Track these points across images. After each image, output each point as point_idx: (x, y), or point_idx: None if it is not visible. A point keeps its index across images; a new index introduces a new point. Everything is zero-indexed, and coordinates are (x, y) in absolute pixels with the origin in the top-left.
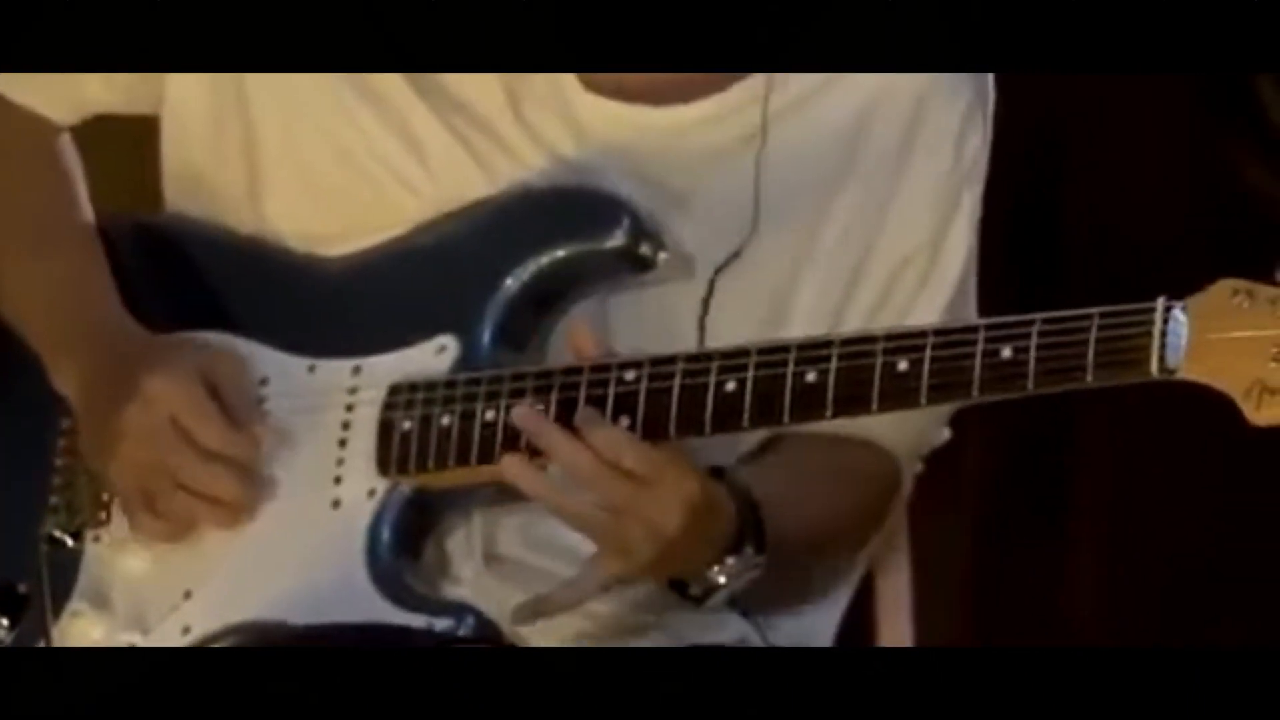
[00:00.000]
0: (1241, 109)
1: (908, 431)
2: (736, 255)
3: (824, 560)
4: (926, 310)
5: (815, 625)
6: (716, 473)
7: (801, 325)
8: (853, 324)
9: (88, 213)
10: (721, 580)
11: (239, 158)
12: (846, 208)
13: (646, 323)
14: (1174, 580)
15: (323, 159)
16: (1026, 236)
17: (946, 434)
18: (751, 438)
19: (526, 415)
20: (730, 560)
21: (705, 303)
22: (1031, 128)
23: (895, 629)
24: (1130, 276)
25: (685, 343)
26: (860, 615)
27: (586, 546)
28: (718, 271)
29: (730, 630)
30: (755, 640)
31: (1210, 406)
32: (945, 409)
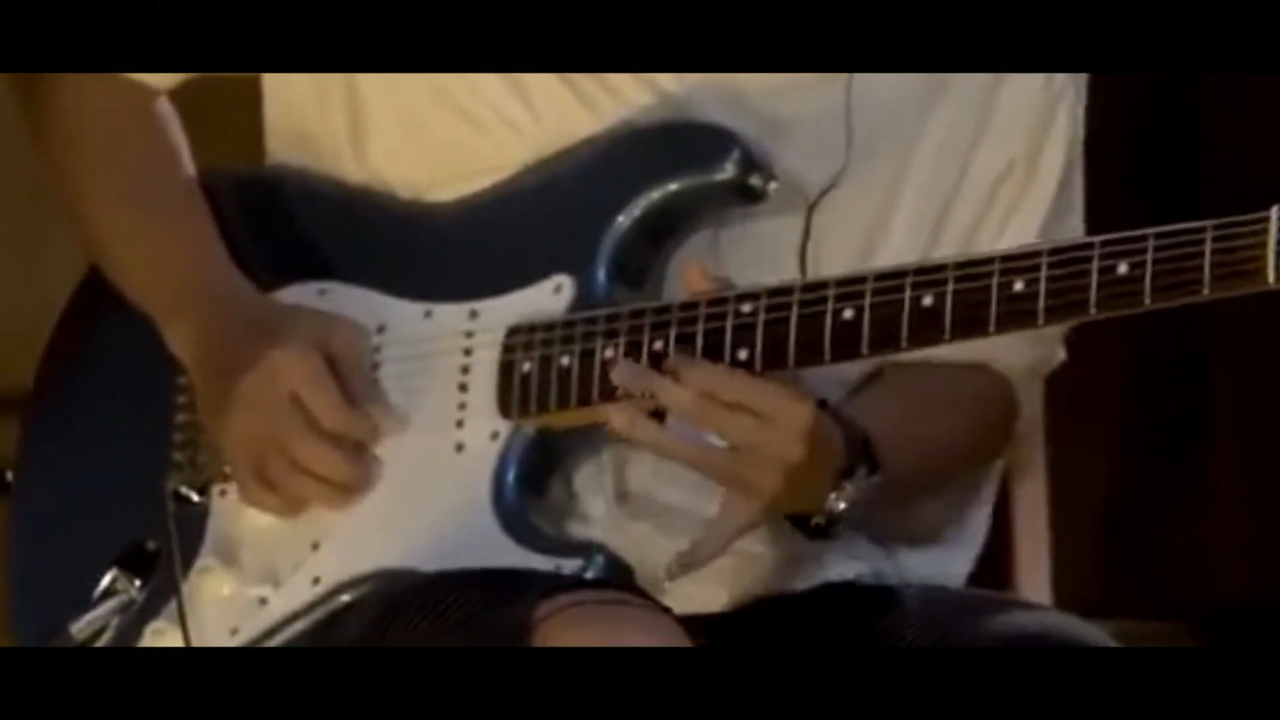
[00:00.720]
0: None
1: (1021, 353)
2: (833, 185)
3: (943, 486)
4: (1023, 226)
5: (949, 559)
6: (820, 405)
7: (899, 246)
8: (951, 243)
9: (190, 172)
10: (841, 506)
11: (340, 105)
12: (939, 128)
13: (753, 253)
14: None
15: (422, 101)
16: (1163, 163)
17: (1062, 354)
18: (852, 371)
19: (620, 371)
20: (847, 485)
21: (805, 232)
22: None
23: (1033, 566)
24: (1268, 199)
25: (790, 273)
26: (999, 552)
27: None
28: (814, 204)
29: (864, 561)
30: (890, 574)
31: None
32: (1058, 329)
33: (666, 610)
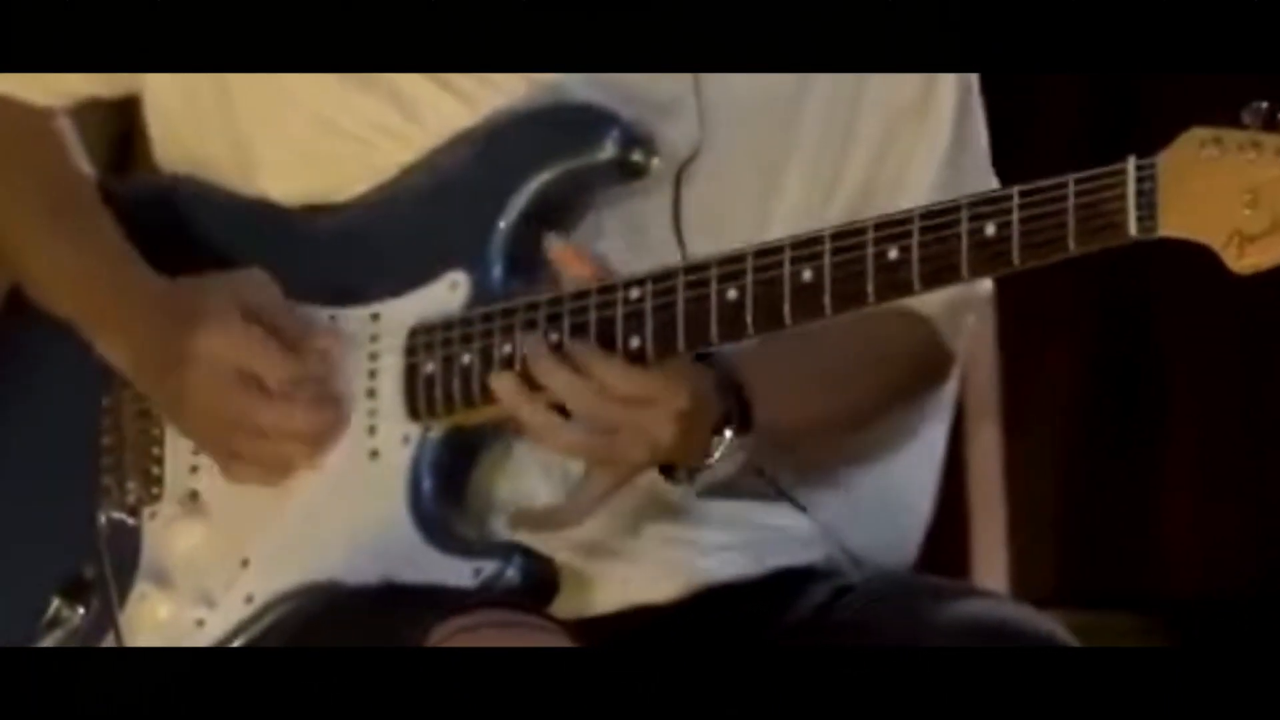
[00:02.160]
0: None
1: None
2: (693, 157)
3: (865, 426)
4: (920, 173)
5: (895, 500)
6: (703, 357)
7: (791, 210)
8: (846, 200)
9: (92, 186)
10: (708, 462)
11: (220, 136)
12: (821, 86)
13: (630, 229)
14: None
15: (306, 130)
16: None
17: (989, 285)
18: None
19: (532, 355)
20: (714, 439)
21: (676, 203)
22: None
23: (990, 555)
24: None
25: (665, 240)
26: (955, 540)
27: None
28: (679, 174)
29: (816, 548)
30: (838, 557)
31: None
32: None
33: (564, 627)
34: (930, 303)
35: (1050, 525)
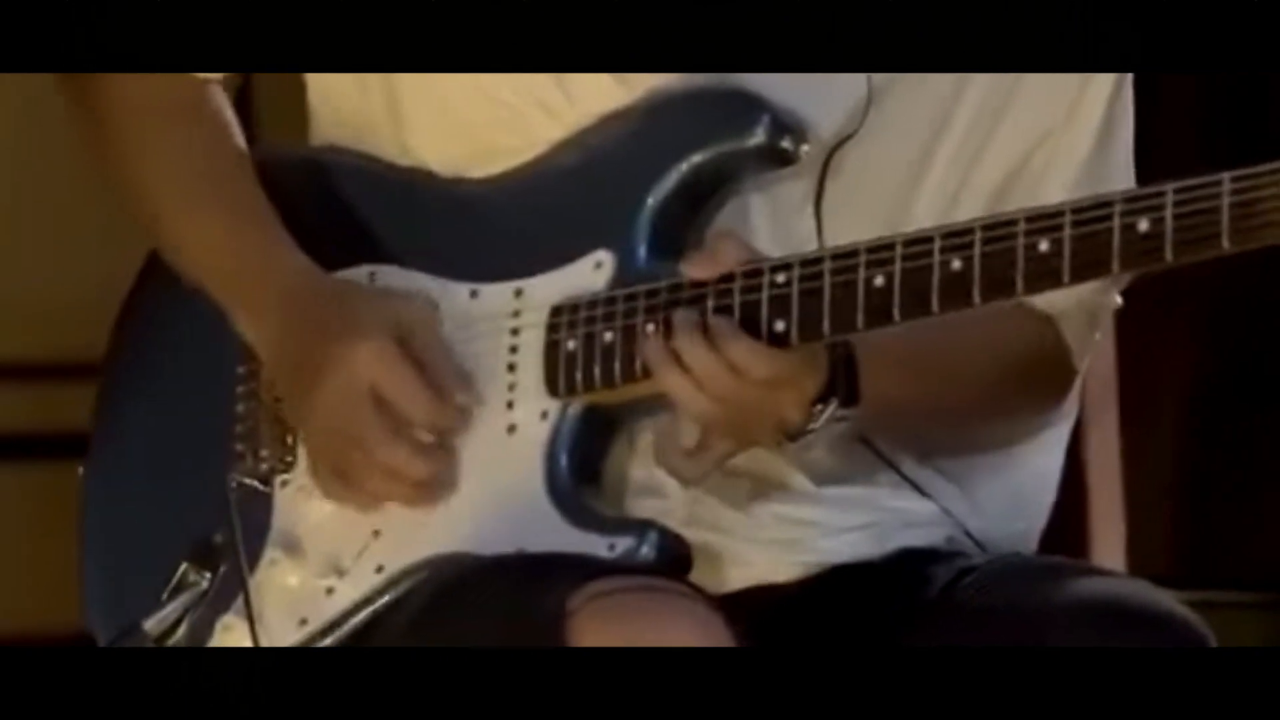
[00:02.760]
0: None
1: (1063, 292)
2: (850, 136)
3: (981, 422)
4: (1055, 187)
5: (1020, 492)
6: None
7: (922, 209)
8: (971, 209)
9: (247, 160)
10: (810, 427)
11: (377, 91)
12: (974, 92)
13: (772, 210)
14: None
15: (462, 96)
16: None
17: (1117, 298)
18: None
19: (678, 326)
20: (817, 407)
21: (820, 183)
22: None
23: (1107, 537)
24: None
25: (806, 229)
26: (1073, 523)
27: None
28: (829, 156)
29: (938, 529)
30: (961, 539)
31: None
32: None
33: (704, 595)
34: (1060, 310)
35: (1166, 509)
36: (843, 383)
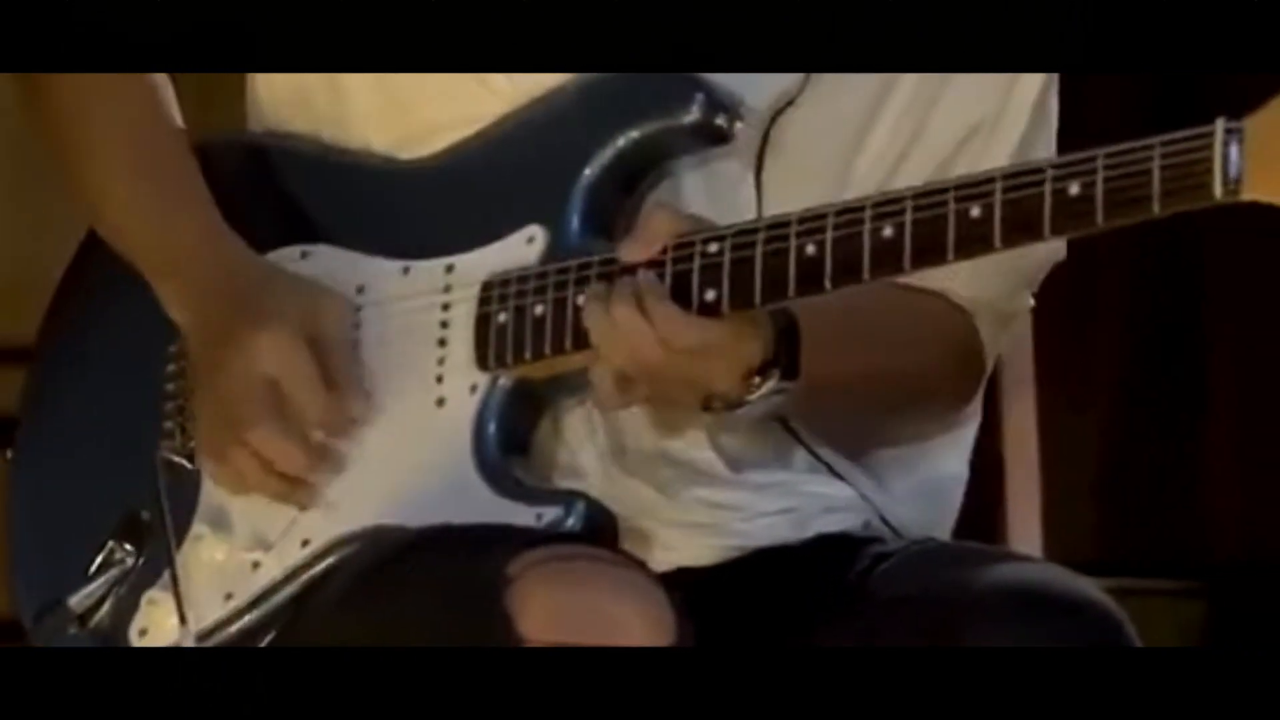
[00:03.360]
0: None
1: (982, 286)
2: (790, 104)
3: (900, 410)
4: (994, 154)
5: (933, 485)
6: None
7: (865, 177)
8: (917, 176)
9: (182, 137)
10: (749, 399)
11: (320, 78)
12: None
13: (710, 185)
14: None
15: (403, 77)
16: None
17: (1029, 301)
18: None
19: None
20: (756, 379)
21: (761, 152)
22: None
23: (1025, 525)
24: None
25: (747, 199)
26: (990, 511)
27: (714, 431)
28: (770, 123)
29: (855, 515)
30: (877, 524)
31: None
32: (1023, 272)
33: (640, 565)
34: (973, 300)
35: (1088, 493)
36: (784, 354)
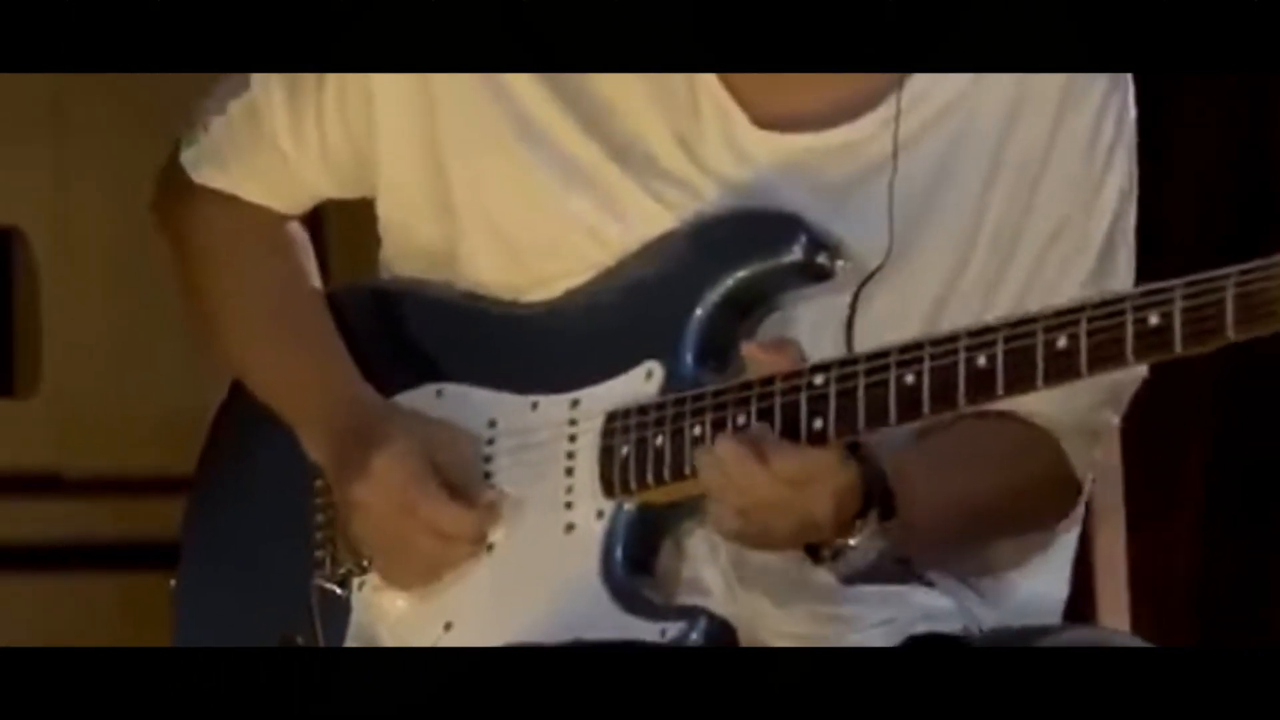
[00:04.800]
0: None
1: (1066, 408)
2: (878, 270)
3: (996, 533)
4: (1069, 285)
5: (1032, 601)
6: (852, 446)
7: (957, 314)
8: (1004, 305)
9: (318, 289)
10: (851, 543)
11: (439, 219)
12: (997, 212)
13: (811, 324)
14: None
15: (514, 221)
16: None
17: (1115, 419)
18: None
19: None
20: (858, 523)
21: (850, 316)
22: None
23: (1111, 588)
24: None
25: (837, 347)
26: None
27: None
28: (860, 288)
29: (954, 622)
30: (974, 632)
31: None
32: (1108, 391)
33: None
34: (1053, 418)
35: (1177, 607)
36: (877, 493)
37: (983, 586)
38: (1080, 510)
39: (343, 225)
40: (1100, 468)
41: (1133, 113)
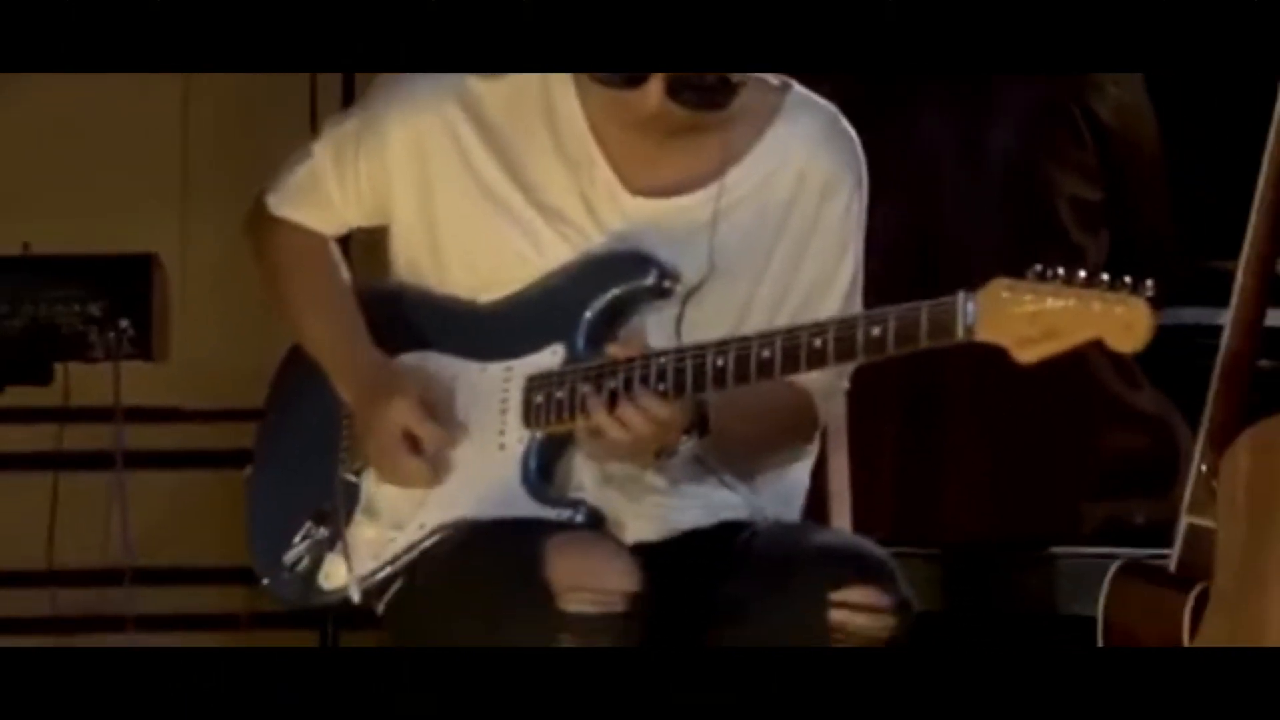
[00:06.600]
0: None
1: (816, 379)
2: (696, 290)
3: (771, 446)
4: (825, 308)
5: (788, 491)
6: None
7: (751, 323)
8: (782, 319)
9: (349, 288)
10: (680, 448)
11: (430, 247)
12: (780, 259)
13: (656, 329)
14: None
15: (483, 256)
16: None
17: (845, 384)
18: None
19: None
20: (684, 438)
21: (679, 316)
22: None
23: (840, 507)
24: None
25: (671, 341)
26: (819, 503)
27: (659, 465)
28: (685, 301)
29: (743, 510)
30: (755, 514)
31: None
32: (840, 372)
33: (618, 540)
34: (809, 386)
35: (882, 493)
36: (698, 425)
37: (758, 482)
38: (816, 440)
39: (364, 243)
40: (833, 414)
41: (865, 203)
